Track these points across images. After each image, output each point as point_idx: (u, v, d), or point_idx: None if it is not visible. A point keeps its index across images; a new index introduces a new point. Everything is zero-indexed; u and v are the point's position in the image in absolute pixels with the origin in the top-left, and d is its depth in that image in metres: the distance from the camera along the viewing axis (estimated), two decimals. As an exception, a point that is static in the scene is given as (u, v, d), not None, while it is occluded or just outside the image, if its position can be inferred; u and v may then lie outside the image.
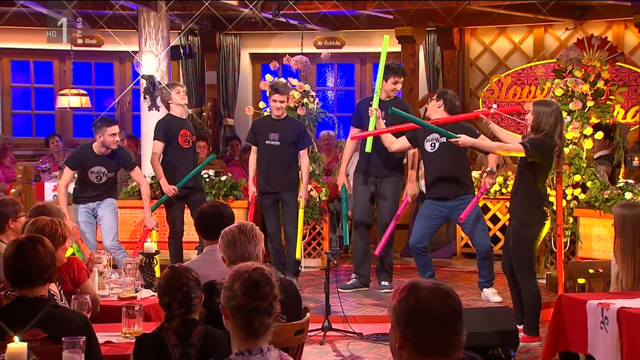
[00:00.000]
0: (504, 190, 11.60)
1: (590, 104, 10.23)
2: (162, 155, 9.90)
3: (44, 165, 13.74)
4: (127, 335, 5.04)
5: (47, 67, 15.96)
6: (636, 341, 5.82)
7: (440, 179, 9.26)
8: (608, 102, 10.40)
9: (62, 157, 13.71)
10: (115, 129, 9.55)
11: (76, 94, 14.04)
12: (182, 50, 13.86)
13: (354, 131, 9.99)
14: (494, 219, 11.76)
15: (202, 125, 14.61)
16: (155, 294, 6.39)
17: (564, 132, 9.79)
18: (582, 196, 10.16)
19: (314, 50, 14.51)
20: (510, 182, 11.41)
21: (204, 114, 15.36)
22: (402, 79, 9.88)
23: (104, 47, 15.43)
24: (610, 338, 6.00)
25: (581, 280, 8.61)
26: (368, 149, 9.43)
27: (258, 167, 10.05)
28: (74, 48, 14.44)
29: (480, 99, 14.42)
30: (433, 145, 9.24)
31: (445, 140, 9.10)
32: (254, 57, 15.89)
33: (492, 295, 9.41)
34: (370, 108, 9.41)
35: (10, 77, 15.93)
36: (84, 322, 4.49)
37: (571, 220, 10.19)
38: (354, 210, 10.24)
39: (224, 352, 4.08)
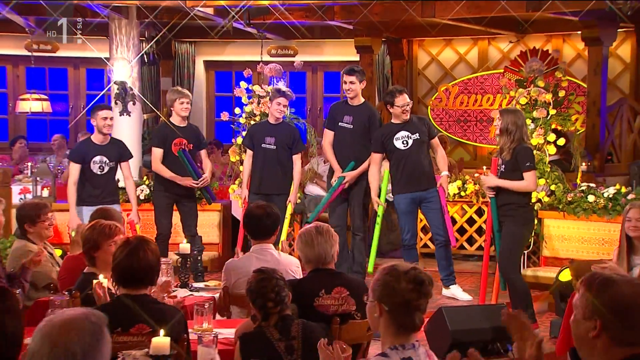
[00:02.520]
0: (462, 194, 11.75)
1: (552, 112, 10.44)
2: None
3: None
4: (200, 333, 4.97)
5: (0, 72, 15.56)
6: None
7: (414, 174, 9.36)
8: (570, 111, 10.66)
9: (22, 161, 13.39)
10: (107, 113, 9.45)
11: (37, 98, 13.79)
12: (146, 57, 13.68)
13: (328, 134, 9.99)
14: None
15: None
16: (193, 293, 6.39)
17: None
18: (546, 199, 10.36)
19: (267, 58, 14.46)
20: (469, 186, 11.64)
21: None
22: (351, 77, 9.61)
23: (59, 53, 15.10)
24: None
25: (564, 278, 8.86)
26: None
27: (253, 169, 10.00)
28: (28, 53, 14.20)
29: (429, 107, 14.61)
30: (405, 142, 9.31)
31: (418, 137, 9.28)
32: (208, 64, 15.79)
33: (460, 293, 9.51)
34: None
35: (-38, 82, 15.56)
36: (182, 317, 4.59)
37: (535, 221, 10.36)
38: (330, 215, 10.25)
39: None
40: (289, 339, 4.34)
